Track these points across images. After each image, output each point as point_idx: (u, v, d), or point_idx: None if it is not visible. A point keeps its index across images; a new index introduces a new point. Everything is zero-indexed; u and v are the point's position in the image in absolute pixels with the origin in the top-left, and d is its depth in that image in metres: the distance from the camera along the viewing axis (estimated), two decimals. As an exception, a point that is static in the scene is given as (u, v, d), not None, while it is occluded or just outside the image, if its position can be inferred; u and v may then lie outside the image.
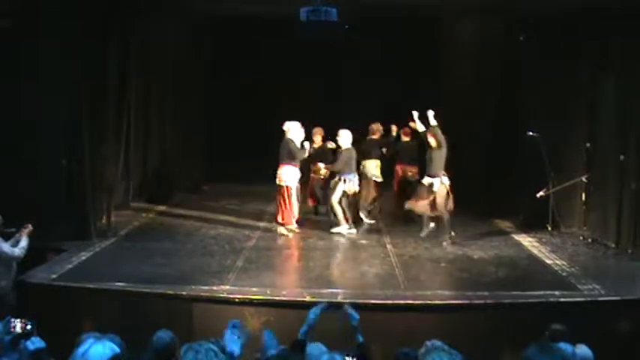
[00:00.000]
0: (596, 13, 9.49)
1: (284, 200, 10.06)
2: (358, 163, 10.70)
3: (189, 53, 13.31)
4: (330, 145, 10.78)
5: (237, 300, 7.27)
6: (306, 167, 10.81)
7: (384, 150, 11.04)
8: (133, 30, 11.44)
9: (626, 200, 9.27)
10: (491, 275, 8.34)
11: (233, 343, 3.86)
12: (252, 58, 14.00)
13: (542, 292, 7.54)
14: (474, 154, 12.21)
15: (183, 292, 7.38)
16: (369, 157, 10.93)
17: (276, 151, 10.18)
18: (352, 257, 9.32)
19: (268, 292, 7.44)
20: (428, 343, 4.31)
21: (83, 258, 8.67)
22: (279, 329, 5.90)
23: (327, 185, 10.86)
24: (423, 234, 9.87)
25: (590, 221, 10.37)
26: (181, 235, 10.19)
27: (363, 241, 10.02)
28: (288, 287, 8.00)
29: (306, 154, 10.27)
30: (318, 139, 11.10)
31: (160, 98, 12.73)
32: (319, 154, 10.97)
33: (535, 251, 9.50)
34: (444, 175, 9.59)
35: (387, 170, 11.20)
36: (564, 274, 8.37)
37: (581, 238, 10.08)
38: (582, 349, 4.84)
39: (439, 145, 9.56)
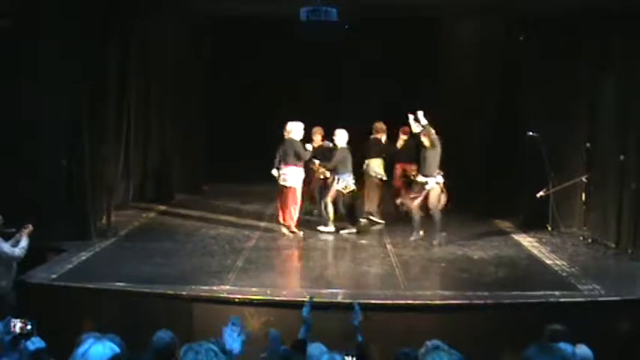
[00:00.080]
0: (596, 13, 9.49)
1: (287, 201, 10.06)
2: (361, 162, 10.71)
3: (189, 53, 13.30)
4: (326, 144, 10.79)
5: (237, 300, 7.27)
6: (307, 167, 10.81)
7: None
8: (133, 30, 11.45)
9: (626, 200, 9.27)
10: (491, 275, 8.34)
11: (233, 340, 3.85)
12: (252, 58, 14.00)
13: (542, 292, 7.54)
14: (474, 154, 12.21)
15: (183, 292, 7.38)
16: (373, 156, 10.95)
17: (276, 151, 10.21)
18: (352, 257, 9.31)
19: (268, 292, 7.44)
20: (428, 343, 4.33)
21: (83, 258, 8.67)
22: (279, 329, 5.91)
23: (327, 185, 10.87)
24: (412, 239, 9.77)
25: (590, 221, 10.37)
26: (181, 235, 10.19)
27: (363, 241, 10.02)
28: (288, 287, 8.00)
29: (308, 156, 10.29)
30: (317, 139, 11.10)
31: (160, 98, 12.73)
32: (318, 154, 10.97)
33: (535, 251, 9.50)
34: (438, 174, 9.57)
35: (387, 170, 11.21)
36: (564, 274, 8.36)
37: (581, 238, 10.08)
38: (582, 349, 4.84)
39: (432, 145, 9.52)
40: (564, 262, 8.83)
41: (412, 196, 9.83)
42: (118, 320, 6.70)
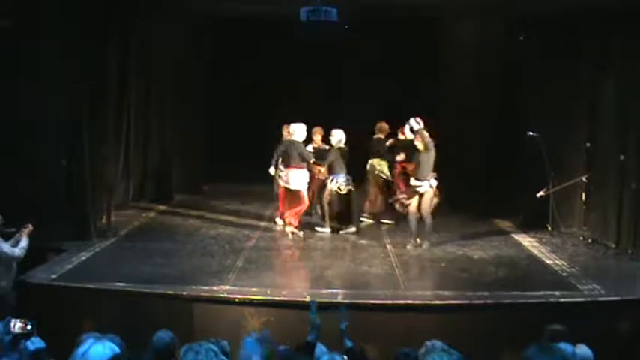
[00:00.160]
0: (596, 13, 9.50)
1: (293, 203, 10.05)
2: (364, 162, 10.71)
3: (189, 53, 13.30)
4: (322, 147, 10.80)
5: (237, 300, 7.27)
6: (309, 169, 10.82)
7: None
8: (133, 30, 11.46)
9: (626, 200, 9.27)
10: (491, 275, 8.34)
11: (255, 352, 3.82)
12: (252, 58, 13.99)
13: (542, 292, 7.54)
14: (474, 154, 12.19)
15: (184, 292, 7.37)
16: (376, 156, 10.96)
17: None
18: (352, 257, 9.30)
19: (268, 292, 7.44)
20: (428, 343, 4.33)
21: (83, 258, 8.67)
22: (279, 329, 5.93)
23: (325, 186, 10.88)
24: (408, 247, 9.60)
25: (590, 221, 10.38)
26: (181, 235, 10.19)
27: (363, 241, 10.02)
28: (288, 287, 7.98)
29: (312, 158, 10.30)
30: (317, 139, 11.10)
31: (160, 98, 12.73)
32: (318, 154, 10.97)
33: (535, 251, 9.50)
34: (432, 177, 9.51)
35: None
36: (564, 274, 8.36)
37: (581, 238, 10.08)
38: (582, 349, 4.84)
39: (426, 148, 9.45)
40: (564, 262, 8.84)
41: (403, 196, 9.82)
42: (118, 320, 6.69)
